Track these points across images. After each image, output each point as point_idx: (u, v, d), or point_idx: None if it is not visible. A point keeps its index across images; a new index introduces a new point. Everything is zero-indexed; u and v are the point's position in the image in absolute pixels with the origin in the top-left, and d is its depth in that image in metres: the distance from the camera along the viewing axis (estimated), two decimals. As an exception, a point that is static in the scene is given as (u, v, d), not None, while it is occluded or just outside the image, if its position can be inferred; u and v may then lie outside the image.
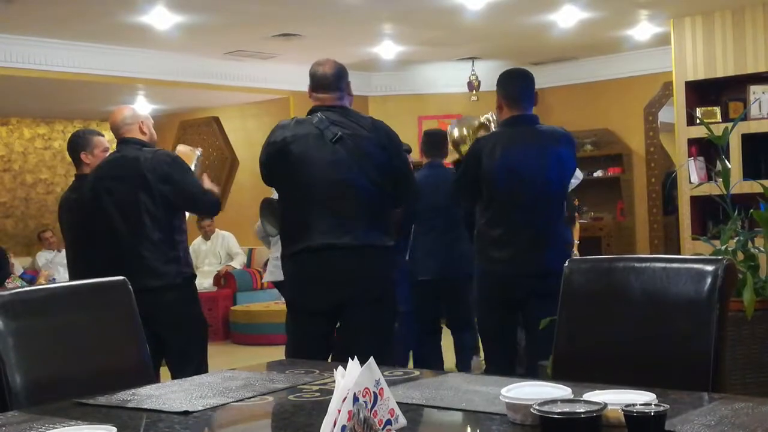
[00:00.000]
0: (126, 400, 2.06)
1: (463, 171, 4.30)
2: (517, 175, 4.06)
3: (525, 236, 4.05)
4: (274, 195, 4.87)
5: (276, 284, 5.80)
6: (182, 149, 4.50)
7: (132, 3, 6.60)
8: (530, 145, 4.11)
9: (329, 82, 3.78)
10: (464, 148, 4.56)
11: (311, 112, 3.78)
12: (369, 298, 3.68)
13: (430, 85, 10.25)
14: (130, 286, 2.52)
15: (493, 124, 4.59)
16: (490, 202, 4.14)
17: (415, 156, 6.49)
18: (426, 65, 9.82)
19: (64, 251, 5.60)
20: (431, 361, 5.79)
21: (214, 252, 9.98)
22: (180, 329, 4.13)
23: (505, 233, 4.08)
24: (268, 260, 6.09)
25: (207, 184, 4.36)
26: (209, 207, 4.32)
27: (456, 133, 4.71)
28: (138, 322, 2.51)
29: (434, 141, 5.88)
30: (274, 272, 5.52)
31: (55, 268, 9.95)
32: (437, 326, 6.04)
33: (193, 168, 4.37)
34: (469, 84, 9.30)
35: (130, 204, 4.10)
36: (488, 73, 9.45)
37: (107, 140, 4.77)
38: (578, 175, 4.98)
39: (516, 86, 4.21)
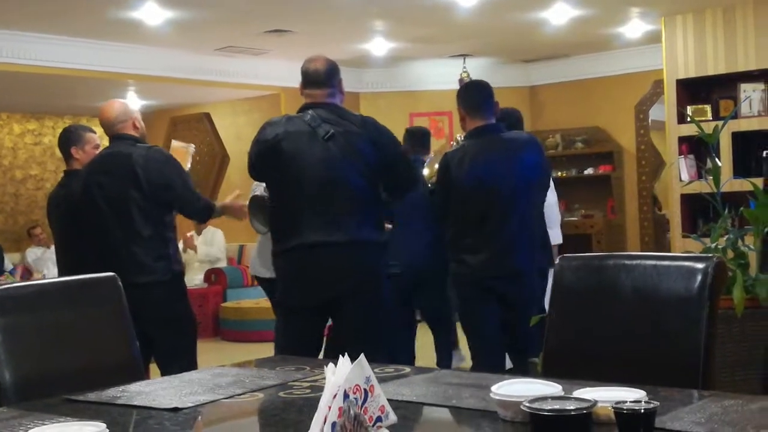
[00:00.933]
0: (116, 397, 2.06)
1: (437, 188, 4.43)
2: (485, 184, 4.18)
3: (496, 242, 4.19)
4: (260, 190, 4.86)
5: (258, 279, 5.79)
6: (176, 145, 4.49)
7: (123, -2, 6.59)
8: (496, 153, 4.23)
9: (321, 78, 3.77)
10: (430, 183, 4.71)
11: (302, 109, 3.77)
12: (360, 293, 3.68)
13: (421, 82, 10.25)
14: (119, 282, 2.51)
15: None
16: (460, 212, 4.27)
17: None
18: (417, 62, 9.82)
19: (53, 247, 5.58)
20: (401, 356, 5.77)
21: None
22: (168, 326, 4.12)
23: (477, 241, 4.22)
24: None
25: (229, 200, 4.40)
26: (199, 211, 4.31)
27: (426, 172, 4.89)
28: (128, 319, 2.50)
29: (417, 137, 5.97)
30: (258, 269, 5.53)
31: (44, 265, 9.92)
32: (410, 320, 6.01)
33: (188, 166, 4.37)
34: (461, 81, 9.28)
35: (120, 200, 4.09)
36: (480, 70, 9.46)
37: (98, 136, 4.76)
38: (550, 200, 5.10)
39: (475, 97, 4.34)
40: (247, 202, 4.55)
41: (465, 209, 4.25)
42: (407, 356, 5.87)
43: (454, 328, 6.33)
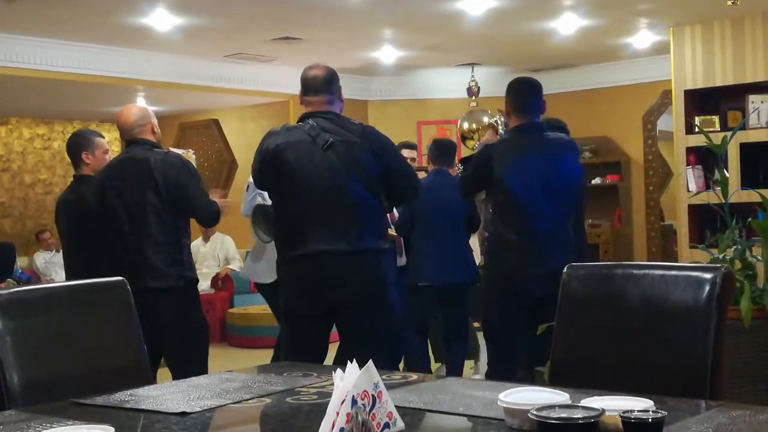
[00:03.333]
0: (124, 401, 2.06)
1: (472, 173, 4.41)
2: (527, 183, 4.16)
3: (538, 241, 4.16)
4: (259, 198, 4.87)
5: (257, 285, 5.82)
6: (176, 152, 4.50)
7: (133, 4, 6.61)
8: (538, 153, 4.21)
9: (319, 84, 3.79)
10: (470, 144, 4.63)
11: (302, 119, 3.79)
12: (364, 301, 3.68)
13: (429, 91, 10.26)
14: (128, 287, 2.52)
15: (500, 128, 4.64)
16: (504, 209, 4.24)
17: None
18: (426, 70, 9.83)
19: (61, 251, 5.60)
20: (418, 363, 5.76)
21: (213, 254, 9.97)
22: (180, 332, 4.12)
23: (519, 239, 4.18)
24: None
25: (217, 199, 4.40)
26: (210, 217, 4.32)
27: (466, 125, 4.81)
28: (136, 323, 2.51)
29: (443, 149, 5.92)
30: (260, 274, 5.53)
31: (53, 269, 9.94)
32: (425, 327, 6.00)
33: None
34: (469, 90, 9.30)
35: (137, 205, 4.09)
36: (488, 79, 9.47)
37: (107, 141, 4.78)
38: None
39: (524, 95, 4.32)
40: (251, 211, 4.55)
41: (502, 206, 4.24)
42: (423, 365, 5.87)
43: (467, 344, 6.32)
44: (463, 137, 4.80)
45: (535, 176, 4.16)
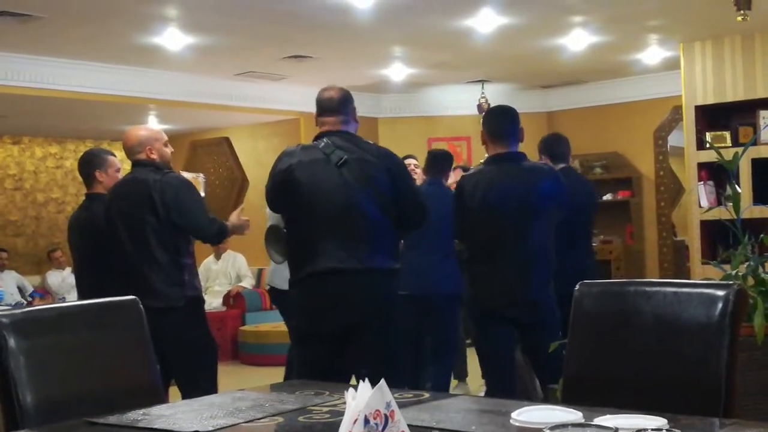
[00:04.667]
0: (137, 420, 2.06)
1: (454, 211, 4.44)
2: (496, 212, 4.18)
3: (508, 271, 4.18)
4: (275, 220, 4.89)
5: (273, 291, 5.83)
6: (186, 176, 4.52)
7: (144, 24, 6.66)
8: (511, 181, 4.21)
9: (334, 105, 3.81)
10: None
11: (317, 138, 3.80)
12: (374, 321, 3.68)
13: (439, 108, 10.28)
14: (140, 306, 2.53)
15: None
16: (473, 239, 4.30)
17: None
18: (436, 87, 9.85)
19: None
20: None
21: (224, 272, 9.99)
22: (185, 351, 4.13)
23: (490, 269, 4.22)
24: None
25: (234, 218, 4.39)
26: (211, 236, 4.33)
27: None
28: (148, 342, 2.52)
29: (436, 160, 5.91)
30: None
31: (66, 288, 9.97)
32: (419, 346, 5.91)
33: (202, 194, 4.40)
34: (479, 106, 9.32)
35: (137, 225, 4.13)
36: (498, 95, 9.49)
37: (119, 160, 4.80)
38: None
39: (497, 123, 4.31)
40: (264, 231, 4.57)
41: (476, 235, 4.28)
42: (411, 380, 5.83)
43: (455, 359, 6.29)
44: None
45: (505, 207, 4.16)
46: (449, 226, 5.57)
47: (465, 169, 6.10)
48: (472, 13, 6.59)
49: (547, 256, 4.29)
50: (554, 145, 5.64)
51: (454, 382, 6.51)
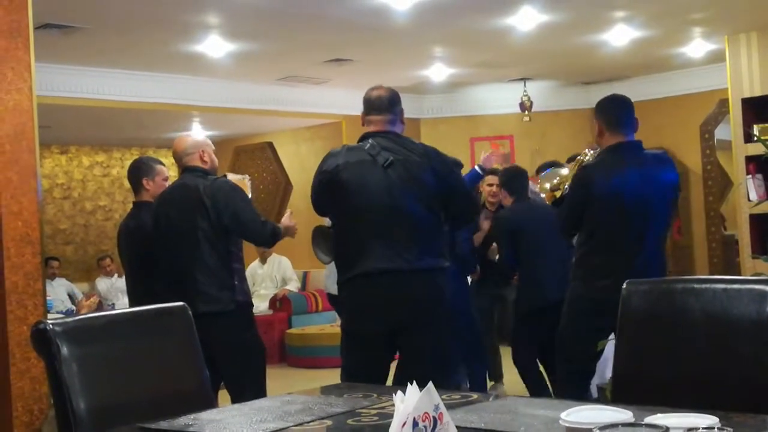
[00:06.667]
0: (188, 425, 2.09)
1: (572, 200, 4.27)
2: (624, 203, 4.06)
3: (631, 264, 4.01)
4: (327, 222, 4.92)
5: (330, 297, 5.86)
6: (232, 177, 4.56)
7: (187, 32, 6.73)
8: (637, 171, 4.10)
9: (383, 104, 3.80)
10: (557, 194, 4.55)
11: (362, 138, 3.80)
12: (424, 321, 3.67)
13: (481, 107, 10.25)
14: (190, 312, 2.55)
15: (589, 157, 4.51)
16: (594, 229, 4.15)
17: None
18: (477, 87, 9.82)
19: (122, 277, 5.72)
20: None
21: (270, 276, 10.05)
22: (233, 355, 4.17)
23: (609, 261, 4.07)
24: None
25: (286, 221, 4.42)
26: (265, 238, 4.35)
27: (548, 185, 4.71)
28: (198, 347, 2.54)
29: (515, 178, 5.81)
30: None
31: (114, 294, 10.11)
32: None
33: (249, 195, 4.44)
34: (521, 105, 9.28)
35: (188, 230, 4.16)
36: (540, 93, 9.44)
37: (167, 168, 4.87)
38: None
39: (617, 112, 4.20)
40: (311, 232, 4.60)
41: (599, 227, 4.14)
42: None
43: (499, 358, 6.25)
44: (552, 190, 4.69)
45: (632, 196, 4.04)
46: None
47: (494, 172, 6.04)
48: (512, 11, 6.57)
49: (664, 250, 4.26)
50: (513, 180, 5.70)
51: (489, 383, 6.49)
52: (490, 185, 6.11)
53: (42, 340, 2.24)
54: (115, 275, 10.23)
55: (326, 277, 6.02)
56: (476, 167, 5.79)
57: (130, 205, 4.85)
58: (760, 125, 7.19)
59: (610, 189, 4.06)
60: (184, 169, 4.35)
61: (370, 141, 3.74)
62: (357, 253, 3.70)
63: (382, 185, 3.65)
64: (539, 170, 5.45)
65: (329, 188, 3.75)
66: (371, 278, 3.67)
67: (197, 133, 4.72)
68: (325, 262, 4.96)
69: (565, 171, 4.69)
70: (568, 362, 4.36)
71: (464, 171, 5.42)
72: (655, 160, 4.23)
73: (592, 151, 4.47)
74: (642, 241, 4.08)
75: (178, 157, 4.37)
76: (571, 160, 5.28)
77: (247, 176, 4.74)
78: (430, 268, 3.68)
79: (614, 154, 4.14)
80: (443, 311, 3.73)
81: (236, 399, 4.02)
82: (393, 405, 1.54)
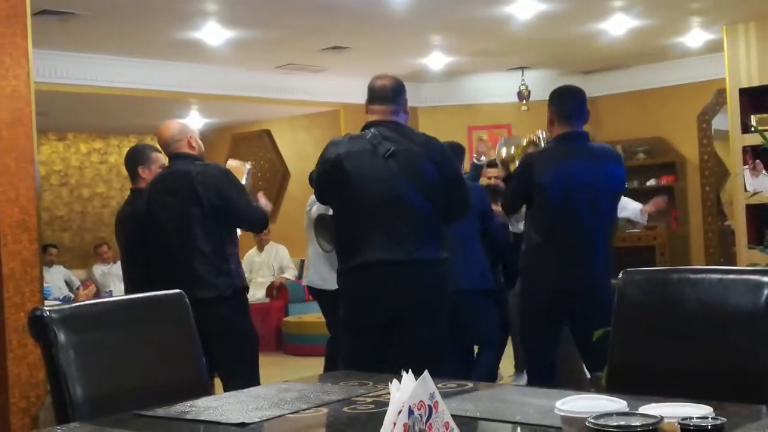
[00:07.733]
0: (184, 412, 2.09)
1: (516, 184, 4.40)
2: (568, 191, 4.13)
3: (572, 251, 4.14)
4: (314, 208, 4.92)
5: (316, 292, 5.81)
6: (232, 163, 4.56)
7: (185, 19, 6.71)
8: (581, 161, 4.18)
9: (387, 93, 3.78)
10: (512, 167, 4.62)
11: (365, 128, 3.79)
12: (423, 312, 3.67)
13: (479, 96, 10.24)
14: (186, 299, 2.56)
15: (542, 142, 4.60)
16: (539, 216, 4.23)
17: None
18: (475, 75, 9.82)
19: (119, 263, 5.71)
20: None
21: (267, 263, 10.06)
22: (229, 341, 4.17)
23: (553, 248, 4.17)
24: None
25: (262, 201, 4.43)
26: (255, 223, 4.36)
27: (504, 152, 4.78)
28: (195, 335, 2.55)
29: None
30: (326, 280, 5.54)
31: (111, 280, 10.12)
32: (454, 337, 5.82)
33: (243, 181, 4.43)
34: (519, 94, 9.27)
35: (182, 217, 4.17)
36: (538, 82, 9.43)
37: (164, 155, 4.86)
38: (627, 206, 5.02)
39: (568, 103, 4.28)
40: (313, 220, 4.60)
41: (542, 217, 4.21)
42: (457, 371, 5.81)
43: (496, 355, 6.26)
44: (505, 162, 4.76)
45: (575, 185, 4.13)
46: (471, 222, 5.47)
47: (493, 164, 6.05)
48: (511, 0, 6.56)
49: (609, 241, 4.28)
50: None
51: (512, 373, 6.51)
52: (490, 178, 6.10)
53: (39, 326, 2.24)
54: (112, 262, 10.24)
55: (307, 269, 5.94)
56: (473, 159, 5.81)
57: (128, 192, 4.86)
58: (758, 115, 7.20)
59: (556, 177, 4.14)
60: (173, 156, 4.33)
61: (372, 130, 3.72)
62: (358, 243, 3.69)
63: (382, 175, 3.64)
64: None
65: (331, 178, 3.74)
66: (371, 268, 3.66)
67: (179, 120, 4.70)
68: (327, 251, 4.96)
69: (524, 142, 4.76)
70: (530, 352, 4.46)
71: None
72: (603, 152, 4.32)
73: (543, 134, 4.55)
74: (590, 231, 4.15)
75: (165, 144, 4.35)
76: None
77: (249, 163, 4.72)
78: (430, 258, 3.68)
79: (561, 144, 4.25)
80: (441, 302, 3.73)
81: (229, 385, 4.03)
82: (389, 393, 1.54)
